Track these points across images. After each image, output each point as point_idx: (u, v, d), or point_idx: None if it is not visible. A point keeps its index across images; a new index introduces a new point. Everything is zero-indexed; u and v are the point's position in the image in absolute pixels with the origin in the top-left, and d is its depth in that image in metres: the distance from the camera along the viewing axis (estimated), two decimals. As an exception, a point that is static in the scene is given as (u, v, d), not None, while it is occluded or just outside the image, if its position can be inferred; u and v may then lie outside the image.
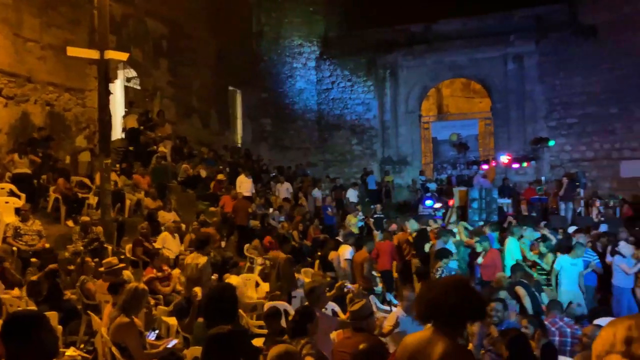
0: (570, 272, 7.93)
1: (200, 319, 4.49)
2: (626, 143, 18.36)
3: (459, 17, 21.13)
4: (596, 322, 4.68)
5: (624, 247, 8.37)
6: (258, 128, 22.54)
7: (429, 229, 10.91)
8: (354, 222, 13.60)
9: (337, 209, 15.85)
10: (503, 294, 6.08)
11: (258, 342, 4.83)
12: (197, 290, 5.62)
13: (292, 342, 3.89)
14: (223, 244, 10.82)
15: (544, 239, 9.28)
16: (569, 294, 7.73)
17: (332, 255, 9.73)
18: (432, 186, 19.49)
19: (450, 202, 15.91)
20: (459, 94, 26.93)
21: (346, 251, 9.15)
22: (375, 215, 14.49)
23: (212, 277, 7.15)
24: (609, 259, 8.63)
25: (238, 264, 8.95)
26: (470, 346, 5.41)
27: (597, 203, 15.79)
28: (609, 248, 8.82)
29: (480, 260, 8.78)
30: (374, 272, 9.16)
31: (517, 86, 20.12)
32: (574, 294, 7.72)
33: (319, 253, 11.14)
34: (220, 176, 14.20)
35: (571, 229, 11.20)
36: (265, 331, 5.13)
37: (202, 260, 6.42)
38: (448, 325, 2.20)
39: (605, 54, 18.28)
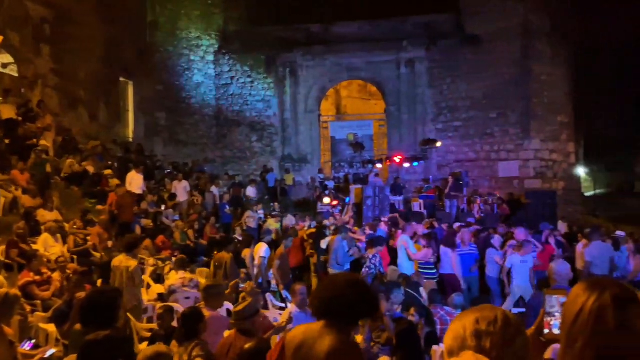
0: (520, 268, 8.32)
1: (78, 325, 4.20)
2: (503, 145, 20.11)
3: (356, 21, 21.81)
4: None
5: (497, 240, 9.14)
6: (152, 122, 21.53)
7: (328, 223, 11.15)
8: (274, 225, 13.29)
9: (235, 207, 15.64)
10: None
11: (144, 346, 4.62)
12: (82, 294, 5.29)
13: (182, 344, 3.78)
14: (110, 244, 10.22)
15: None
16: (521, 289, 8.15)
17: (245, 252, 9.61)
18: (331, 184, 19.92)
19: (347, 200, 16.40)
20: (356, 96, 27.76)
21: (262, 249, 9.15)
22: (274, 213, 14.51)
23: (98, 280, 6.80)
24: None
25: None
26: (360, 338, 5.62)
27: (478, 200, 17.09)
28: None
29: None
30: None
31: (408, 90, 21.22)
32: (525, 289, 8.10)
33: (216, 252, 10.92)
34: (107, 171, 13.36)
35: (456, 225, 12.02)
36: (149, 334, 4.93)
37: (133, 263, 6.29)
38: (341, 322, 2.21)
39: (486, 63, 19.87)
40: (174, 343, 3.78)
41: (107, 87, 19.36)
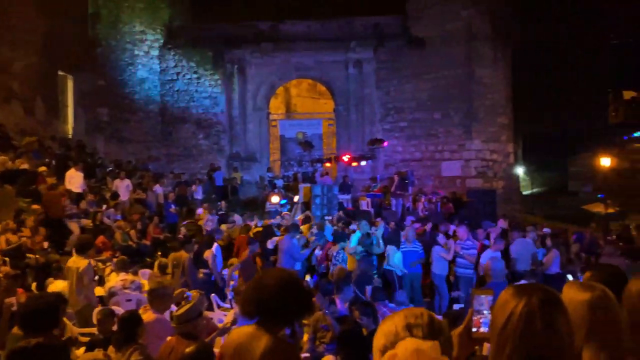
0: (492, 264, 8.50)
1: (15, 330, 4.00)
2: (447, 146, 20.71)
3: (305, 20, 21.85)
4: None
5: (442, 238, 9.42)
6: (93, 118, 20.72)
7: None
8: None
9: (181, 206, 15.30)
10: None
11: (81, 352, 4.45)
12: (12, 300, 5.04)
13: (120, 349, 3.66)
14: (46, 244, 9.76)
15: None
16: (493, 285, 8.33)
17: (207, 253, 9.42)
18: (279, 183, 19.87)
19: (296, 198, 16.40)
20: (305, 94, 27.80)
21: (212, 247, 9.12)
22: (220, 212, 14.31)
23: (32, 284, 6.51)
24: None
25: (62, 267, 8.12)
26: (306, 337, 5.64)
27: (423, 199, 17.52)
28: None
29: (318, 252, 9.19)
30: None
31: (357, 90, 21.48)
32: (499, 285, 8.31)
33: (159, 253, 10.66)
34: (42, 169, 12.74)
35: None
36: (87, 339, 4.75)
37: (83, 263, 6.24)
38: (274, 322, 2.20)
39: (431, 65, 20.39)
40: (111, 348, 3.65)
41: (45, 81, 18.47)
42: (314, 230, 10.68)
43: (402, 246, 9.36)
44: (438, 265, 9.23)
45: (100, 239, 10.16)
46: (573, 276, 8.76)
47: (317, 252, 9.24)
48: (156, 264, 10.05)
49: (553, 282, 8.12)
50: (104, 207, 12.66)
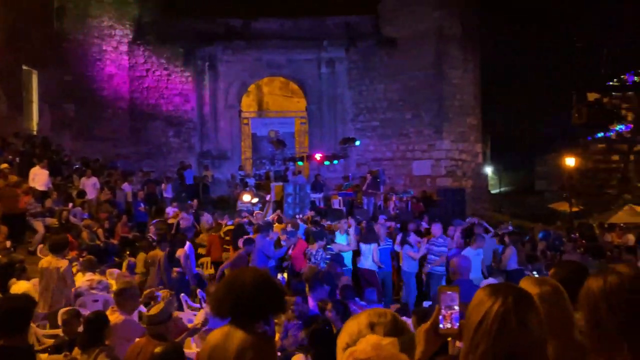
0: (473, 262, 8.58)
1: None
2: (418, 145, 20.97)
3: (277, 17, 21.77)
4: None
5: (413, 237, 9.53)
6: (59, 114, 20.17)
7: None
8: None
9: (150, 205, 15.05)
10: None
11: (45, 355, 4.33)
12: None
13: (85, 351, 3.58)
14: (8, 243, 9.47)
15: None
16: (474, 280, 8.41)
17: (179, 252, 9.30)
18: (251, 181, 19.74)
19: (268, 197, 16.33)
20: (277, 93, 27.70)
21: (185, 246, 9.02)
22: (191, 211, 14.12)
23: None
24: (397, 248, 9.71)
25: (25, 268, 7.89)
26: (277, 336, 5.63)
27: (394, 198, 17.70)
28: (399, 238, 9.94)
29: (290, 251, 9.19)
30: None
31: (329, 89, 21.54)
32: (478, 280, 8.34)
33: (128, 252, 10.47)
34: (3, 166, 12.34)
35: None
36: (51, 341, 4.63)
37: (63, 264, 6.17)
38: (248, 320, 2.19)
39: (402, 65, 20.60)
40: (76, 350, 3.57)
41: (8, 76, 17.88)
42: (288, 228, 10.67)
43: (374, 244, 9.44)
44: (407, 263, 9.34)
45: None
46: (539, 273, 8.98)
47: (290, 251, 9.22)
48: (124, 263, 9.91)
49: (511, 277, 8.34)
50: (70, 205, 12.35)
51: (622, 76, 20.00)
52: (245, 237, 9.33)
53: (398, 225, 11.55)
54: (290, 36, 21.21)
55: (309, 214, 13.28)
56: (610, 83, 19.24)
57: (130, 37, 21.56)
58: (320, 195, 17.51)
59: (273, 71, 22.46)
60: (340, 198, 17.24)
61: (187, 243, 9.40)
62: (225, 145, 21.75)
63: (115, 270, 9.04)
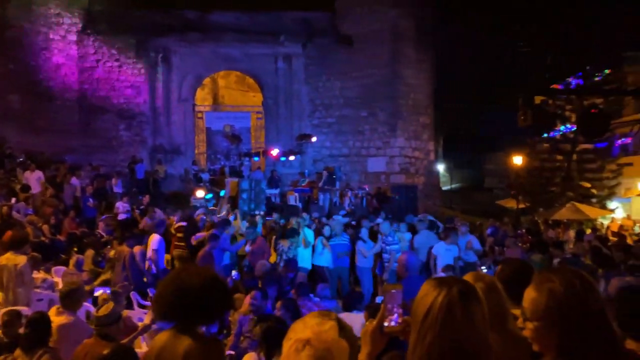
0: (445, 256, 8.62)
1: None
2: (373, 142, 21.26)
3: (234, 11, 21.48)
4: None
5: (365, 233, 9.65)
6: (2, 105, 19.20)
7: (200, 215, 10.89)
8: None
9: (99, 200, 14.60)
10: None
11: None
12: None
13: (27, 353, 3.45)
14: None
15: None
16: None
17: (136, 248, 9.04)
18: (205, 176, 19.47)
19: (222, 193, 16.16)
20: (233, 86, 27.37)
21: (155, 241, 8.76)
22: (142, 207, 13.80)
23: None
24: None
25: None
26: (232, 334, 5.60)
27: (349, 194, 17.87)
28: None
29: (248, 247, 9.13)
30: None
31: (286, 85, 21.47)
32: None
33: (75, 249, 10.11)
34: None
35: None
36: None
37: (21, 260, 5.96)
38: (194, 323, 2.10)
39: (358, 63, 20.79)
40: (18, 352, 3.44)
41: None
42: (246, 224, 10.60)
43: (331, 240, 9.50)
44: (361, 259, 9.45)
45: (8, 234, 9.47)
46: (487, 268, 9.29)
47: (248, 248, 9.16)
48: (72, 260, 9.56)
49: (462, 273, 8.56)
50: (13, 200, 11.81)
51: (567, 79, 20.91)
52: (211, 233, 9.24)
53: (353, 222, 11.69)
54: (247, 30, 20.97)
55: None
56: (555, 86, 20.11)
57: (80, 26, 20.75)
58: (276, 191, 17.48)
59: (229, 65, 22.18)
60: (296, 194, 17.26)
61: (156, 236, 9.11)
62: (178, 139, 21.33)
63: (62, 268, 8.74)
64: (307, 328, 1.39)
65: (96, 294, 6.85)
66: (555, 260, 8.35)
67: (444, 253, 8.67)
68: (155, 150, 20.88)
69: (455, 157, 40.58)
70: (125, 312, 5.59)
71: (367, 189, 19.02)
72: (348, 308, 5.37)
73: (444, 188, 35.10)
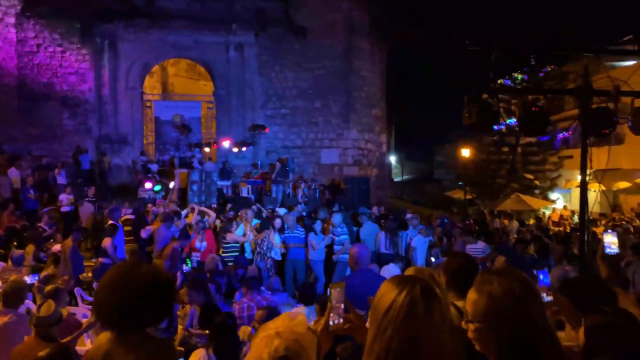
0: (422, 249, 9.44)
1: None
2: (326, 134, 21.32)
3: (184, -3, 20.91)
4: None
5: (318, 225, 9.67)
6: None
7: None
8: None
9: (41, 192, 13.96)
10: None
11: None
12: None
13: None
14: None
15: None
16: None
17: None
18: (154, 167, 18.97)
19: (171, 185, 15.79)
20: (184, 75, 26.71)
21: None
22: (87, 199, 13.29)
23: None
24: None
25: None
26: (181, 329, 5.49)
27: (302, 186, 17.87)
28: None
29: (198, 243, 8.96)
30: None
31: (238, 74, 21.14)
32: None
33: (15, 243, 9.64)
34: None
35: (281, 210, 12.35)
36: None
37: None
38: (138, 326, 1.94)
39: (312, 54, 20.75)
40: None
41: None
42: (195, 218, 10.39)
43: (285, 232, 9.47)
44: (312, 251, 9.48)
45: (-61, 229, 8.92)
46: (435, 258, 9.53)
47: (198, 243, 8.97)
48: (10, 255, 9.11)
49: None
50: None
51: (513, 73, 21.69)
52: (180, 231, 9.03)
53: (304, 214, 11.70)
54: (198, 17, 20.45)
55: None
56: (500, 81, 20.80)
57: (19, 8, 19.63)
58: (228, 183, 17.26)
59: (179, 53, 21.60)
60: (248, 186, 17.11)
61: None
62: (125, 129, 20.64)
63: (0, 263, 8.32)
64: (277, 322, 1.38)
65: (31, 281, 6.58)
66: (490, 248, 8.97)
67: (421, 246, 9.51)
68: (101, 140, 20.14)
69: (407, 149, 41.40)
70: (67, 310, 5.38)
71: (320, 181, 19.09)
72: (303, 300, 5.39)
73: (395, 179, 35.78)
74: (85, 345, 5.14)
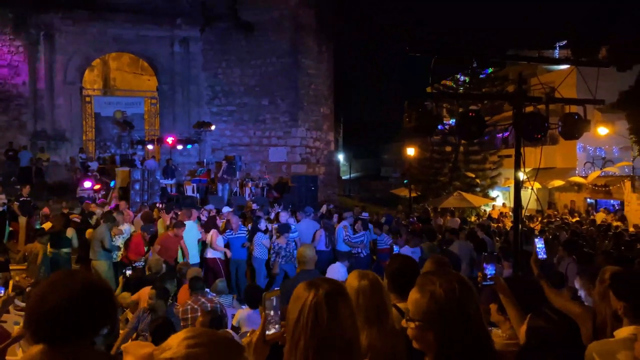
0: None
1: None
2: (274, 132, 21.19)
3: (126, -11, 20.18)
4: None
5: (263, 223, 9.62)
6: None
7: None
8: None
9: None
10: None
11: None
12: None
13: None
14: None
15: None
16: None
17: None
18: (94, 165, 18.23)
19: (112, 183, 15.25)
20: (126, 69, 25.80)
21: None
22: (22, 199, 12.58)
23: None
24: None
25: None
26: (126, 330, 5.34)
27: (250, 184, 17.71)
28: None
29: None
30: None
31: (183, 69, 20.65)
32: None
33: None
34: None
35: (226, 209, 12.17)
36: None
37: None
38: (71, 339, 1.74)
39: (259, 51, 20.55)
40: None
41: None
42: (125, 223, 10.04)
43: (228, 233, 9.34)
44: (258, 250, 9.41)
45: None
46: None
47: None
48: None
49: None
50: None
51: (456, 75, 22.33)
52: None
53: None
54: (141, 10, 19.78)
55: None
56: (443, 82, 21.37)
57: (-57, -6, 18.35)
58: (172, 182, 16.86)
59: (120, 46, 20.85)
60: (193, 184, 16.78)
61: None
62: (63, 124, 19.71)
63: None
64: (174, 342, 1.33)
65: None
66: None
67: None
68: (36, 136, 19.15)
69: (355, 147, 41.86)
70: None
71: (267, 179, 18.96)
72: (248, 302, 5.32)
73: (343, 177, 36.10)
74: (16, 354, 4.88)
